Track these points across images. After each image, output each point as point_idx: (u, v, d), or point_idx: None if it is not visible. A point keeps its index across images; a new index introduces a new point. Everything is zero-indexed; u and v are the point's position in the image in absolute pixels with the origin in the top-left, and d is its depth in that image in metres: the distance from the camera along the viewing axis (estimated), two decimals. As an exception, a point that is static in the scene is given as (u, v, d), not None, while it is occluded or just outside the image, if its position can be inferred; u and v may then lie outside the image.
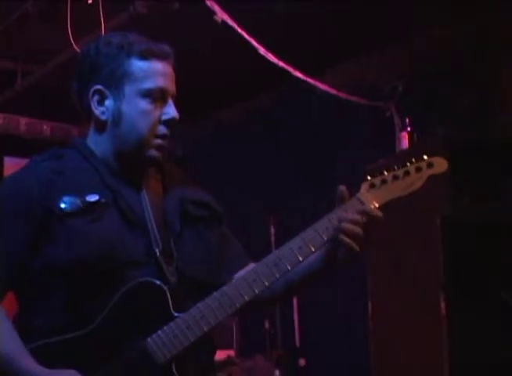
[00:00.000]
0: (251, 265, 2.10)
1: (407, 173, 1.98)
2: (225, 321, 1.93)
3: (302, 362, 5.12)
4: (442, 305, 3.63)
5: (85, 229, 1.90)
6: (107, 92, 2.00)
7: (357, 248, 1.90)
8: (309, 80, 4.84)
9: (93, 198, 1.94)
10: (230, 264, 2.12)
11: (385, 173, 1.98)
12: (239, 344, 5.47)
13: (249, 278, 1.91)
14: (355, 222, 1.90)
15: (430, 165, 1.99)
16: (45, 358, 1.84)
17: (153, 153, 2.00)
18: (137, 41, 2.02)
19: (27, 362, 1.83)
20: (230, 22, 4.08)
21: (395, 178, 1.98)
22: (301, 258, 1.92)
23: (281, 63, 4.46)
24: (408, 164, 1.99)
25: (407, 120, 4.66)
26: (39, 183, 1.95)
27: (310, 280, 2.08)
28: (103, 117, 2.02)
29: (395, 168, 1.99)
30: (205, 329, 1.87)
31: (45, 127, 6.45)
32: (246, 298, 1.89)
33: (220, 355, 4.62)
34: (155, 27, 4.63)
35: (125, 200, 1.98)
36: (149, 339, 1.86)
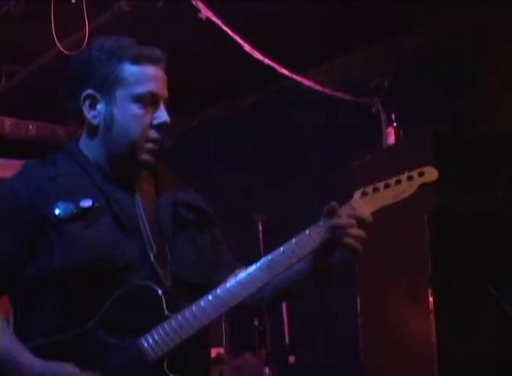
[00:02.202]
0: (242, 270, 2.11)
1: (398, 182, 2.05)
2: (217, 321, 1.96)
3: (292, 359, 5.12)
4: (430, 299, 3.64)
5: (80, 234, 1.92)
6: (99, 97, 2.02)
7: (361, 249, 1.97)
8: (295, 77, 4.84)
9: (87, 203, 1.95)
10: (222, 268, 2.14)
11: (377, 182, 2.05)
12: (228, 342, 5.46)
13: (242, 280, 1.94)
14: (353, 225, 1.97)
15: (421, 174, 2.07)
16: (40, 358, 1.86)
17: (145, 157, 2.02)
18: (129, 46, 2.03)
19: (26, 355, 1.87)
20: (215, 19, 4.08)
21: (387, 186, 2.05)
22: (293, 261, 1.97)
23: (266, 60, 4.46)
24: (400, 174, 2.06)
25: (393, 115, 4.66)
26: (31, 190, 1.96)
27: (297, 285, 2.12)
28: (95, 122, 2.03)
29: (387, 178, 2.06)
30: (197, 328, 1.90)
31: (30, 127, 6.41)
32: (239, 299, 1.93)
33: (209, 353, 4.61)
34: (139, 26, 4.63)
35: (119, 205, 1.99)
36: (142, 339, 1.89)
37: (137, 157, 2.01)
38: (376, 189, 2.04)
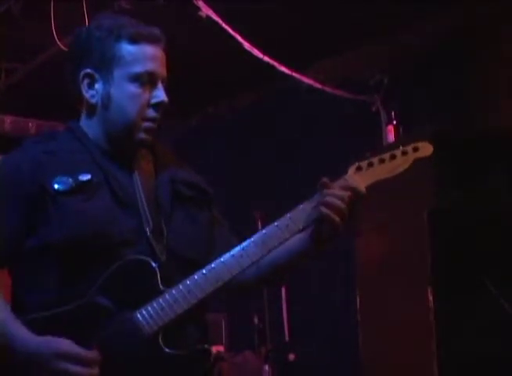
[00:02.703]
0: None
1: (393, 156, 2.05)
2: (212, 296, 1.96)
3: (291, 357, 5.12)
4: (430, 297, 3.64)
5: (78, 208, 1.94)
6: (97, 76, 2.02)
7: (338, 221, 1.96)
8: (294, 75, 4.84)
9: (85, 177, 1.97)
10: (220, 245, 2.14)
11: (371, 157, 2.05)
12: (228, 339, 5.47)
13: (236, 254, 1.96)
14: (338, 197, 1.97)
15: (415, 149, 2.07)
16: (35, 332, 1.87)
17: (142, 135, 2.03)
18: (127, 25, 2.04)
19: (18, 328, 1.87)
20: (215, 17, 4.08)
21: (381, 161, 2.05)
22: (287, 236, 1.99)
23: (266, 58, 4.46)
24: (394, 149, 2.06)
25: (393, 114, 4.66)
26: (31, 164, 1.98)
27: (295, 262, 2.14)
28: (93, 101, 2.04)
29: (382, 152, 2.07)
30: (192, 302, 1.92)
31: (30, 125, 6.40)
32: (233, 273, 1.95)
33: (209, 351, 4.60)
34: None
35: (117, 181, 2.01)
36: (137, 312, 1.90)
37: (134, 135, 2.02)
38: (370, 164, 2.04)
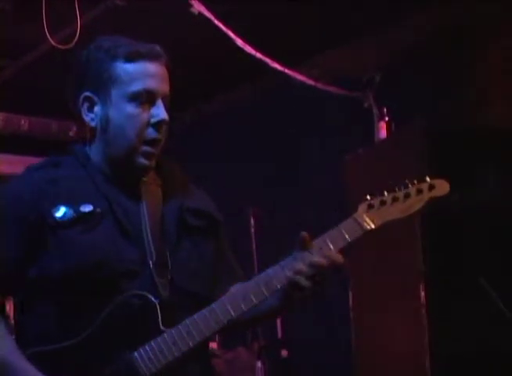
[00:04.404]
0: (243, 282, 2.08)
1: (408, 195, 1.96)
2: (210, 338, 1.94)
3: (284, 353, 5.12)
4: (422, 293, 3.65)
5: (78, 239, 1.89)
6: (96, 98, 1.98)
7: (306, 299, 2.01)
8: (287, 71, 4.84)
9: (87, 208, 1.92)
10: (224, 278, 2.11)
11: (385, 194, 1.95)
12: (220, 336, 5.46)
13: (238, 295, 1.91)
14: (307, 275, 1.93)
15: (431, 187, 2.00)
16: (34, 366, 1.84)
17: (142, 160, 1.97)
18: (124, 44, 1.99)
19: (21, 360, 1.85)
20: (207, 14, 4.08)
21: (395, 199, 1.95)
22: (291, 275, 1.92)
23: (258, 55, 4.46)
24: (409, 185, 1.96)
25: (385, 110, 4.66)
26: (31, 193, 1.94)
27: (271, 316, 2.17)
28: (93, 124, 2.00)
29: (396, 189, 1.96)
30: (191, 344, 1.87)
31: (22, 121, 6.37)
32: (234, 314, 1.89)
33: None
34: (132, 20, 4.63)
35: (121, 209, 1.95)
36: (135, 353, 1.85)
37: (134, 160, 1.96)
38: (383, 203, 1.94)
